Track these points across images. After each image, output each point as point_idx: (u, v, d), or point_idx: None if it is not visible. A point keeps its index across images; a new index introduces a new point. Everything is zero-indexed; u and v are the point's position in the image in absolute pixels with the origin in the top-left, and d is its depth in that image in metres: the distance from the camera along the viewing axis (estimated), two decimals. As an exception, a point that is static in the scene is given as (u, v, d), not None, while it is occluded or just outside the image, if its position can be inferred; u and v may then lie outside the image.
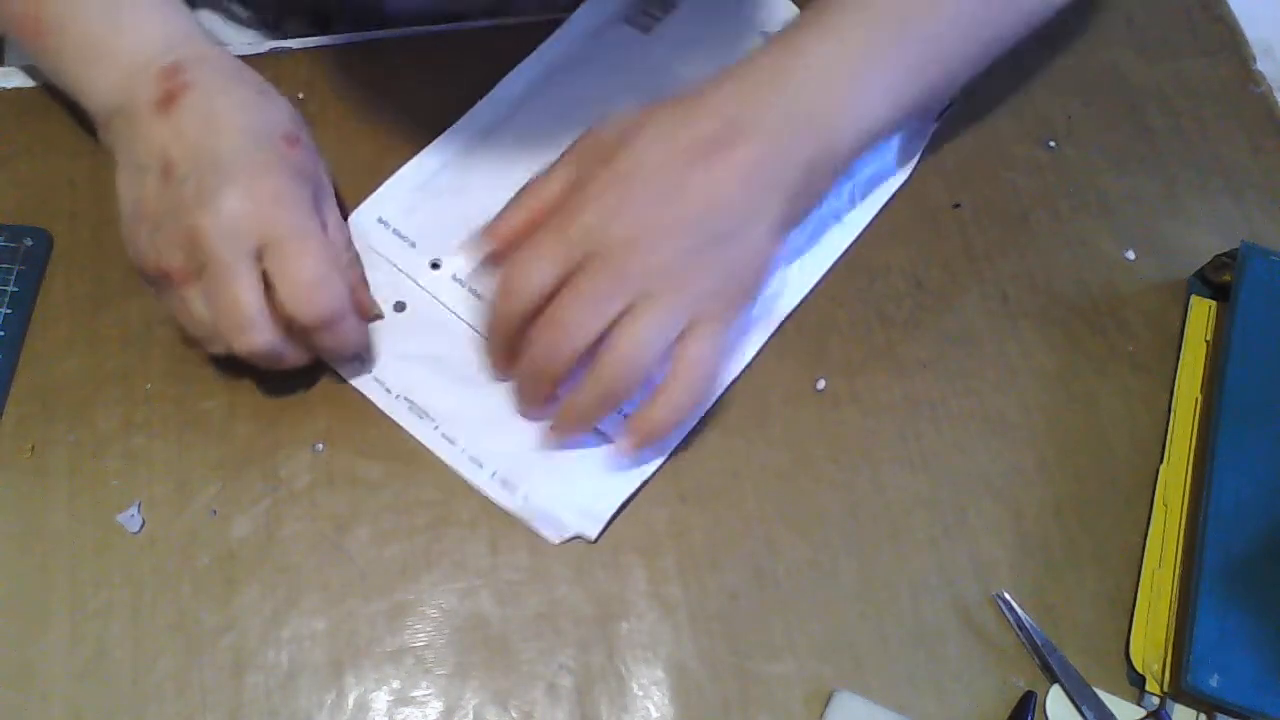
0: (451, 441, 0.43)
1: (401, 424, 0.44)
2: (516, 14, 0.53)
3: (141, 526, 0.41)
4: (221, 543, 0.41)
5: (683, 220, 0.38)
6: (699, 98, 0.41)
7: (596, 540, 0.43)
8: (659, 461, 0.44)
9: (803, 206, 0.43)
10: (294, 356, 0.41)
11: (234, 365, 0.43)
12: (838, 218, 0.49)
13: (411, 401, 0.44)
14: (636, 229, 0.38)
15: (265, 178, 0.39)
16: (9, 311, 0.44)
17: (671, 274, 0.39)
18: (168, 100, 0.40)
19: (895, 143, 0.50)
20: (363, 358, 0.44)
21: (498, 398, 0.44)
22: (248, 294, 0.38)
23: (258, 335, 0.39)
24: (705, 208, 0.39)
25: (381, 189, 0.48)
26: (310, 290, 0.39)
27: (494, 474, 0.43)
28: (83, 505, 0.42)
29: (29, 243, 0.45)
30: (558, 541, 0.42)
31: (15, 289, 0.45)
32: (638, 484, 0.43)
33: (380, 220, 0.47)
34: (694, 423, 0.44)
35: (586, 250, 0.38)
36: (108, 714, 0.39)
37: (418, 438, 0.44)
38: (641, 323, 0.38)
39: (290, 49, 0.52)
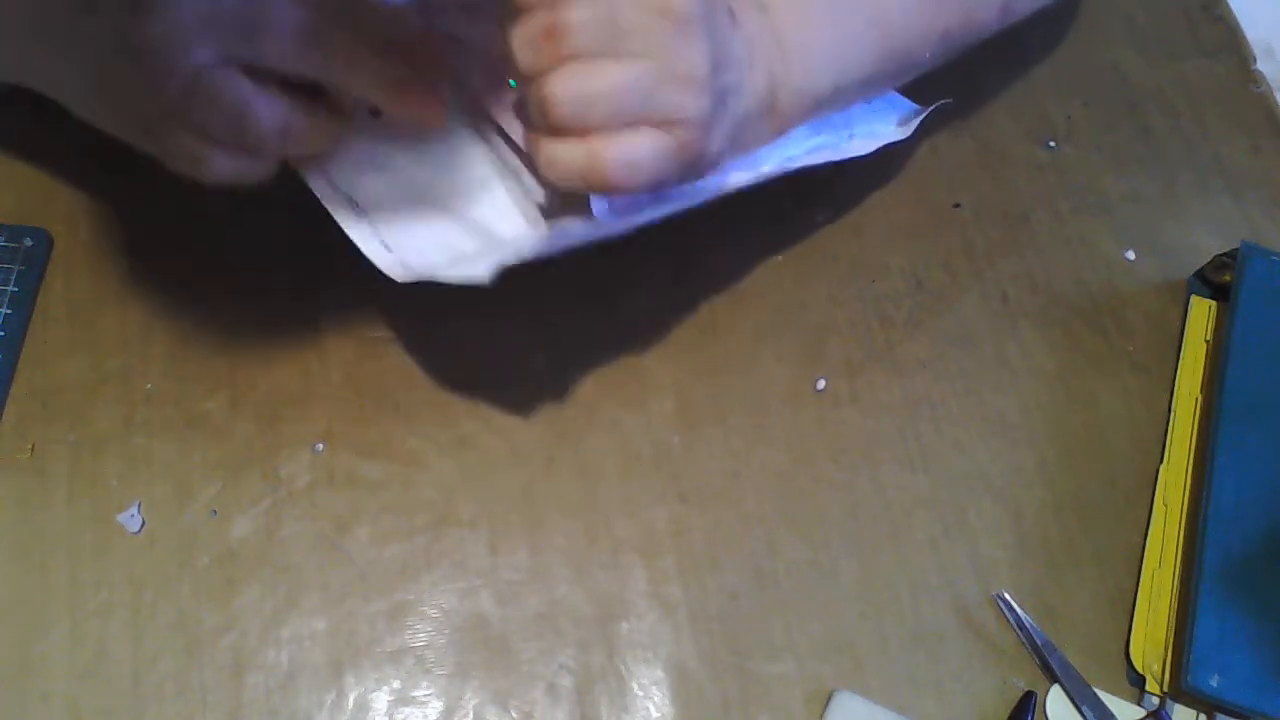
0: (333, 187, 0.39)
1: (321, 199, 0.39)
2: None
3: (141, 526, 0.41)
4: (221, 543, 0.41)
5: (709, 46, 0.36)
6: None
7: (491, 283, 0.34)
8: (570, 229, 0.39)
9: (748, 139, 0.41)
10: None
11: (234, 365, 0.43)
12: (834, 147, 0.47)
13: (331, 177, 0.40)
14: (678, 7, 0.34)
15: None
16: (9, 311, 0.44)
17: (679, 64, 0.35)
18: None
19: (893, 115, 0.50)
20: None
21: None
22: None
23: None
24: (722, 55, 0.37)
25: None
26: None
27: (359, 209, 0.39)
28: (83, 505, 0.42)
29: (29, 243, 0.45)
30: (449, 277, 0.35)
31: (15, 289, 0.44)
32: (544, 242, 0.38)
33: None
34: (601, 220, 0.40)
35: None
36: (108, 714, 0.39)
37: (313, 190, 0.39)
38: (635, 69, 0.34)
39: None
